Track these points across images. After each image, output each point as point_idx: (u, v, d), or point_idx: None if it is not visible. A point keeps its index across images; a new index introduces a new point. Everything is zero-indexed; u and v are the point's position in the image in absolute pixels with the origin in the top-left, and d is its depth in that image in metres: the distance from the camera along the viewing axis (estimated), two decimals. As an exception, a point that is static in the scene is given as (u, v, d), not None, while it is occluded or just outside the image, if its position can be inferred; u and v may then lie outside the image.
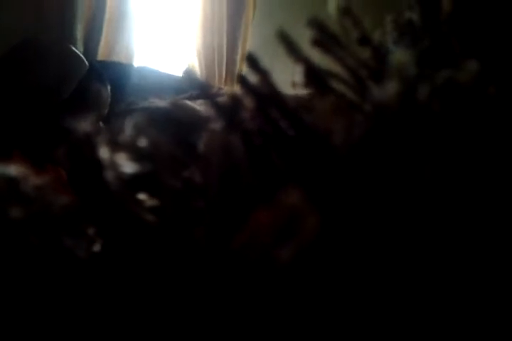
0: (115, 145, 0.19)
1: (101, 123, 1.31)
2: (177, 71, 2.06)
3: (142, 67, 1.79)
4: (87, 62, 1.14)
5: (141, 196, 0.20)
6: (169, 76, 1.81)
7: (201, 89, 1.60)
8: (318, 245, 0.15)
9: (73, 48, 1.13)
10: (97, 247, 0.20)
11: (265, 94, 0.22)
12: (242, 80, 0.22)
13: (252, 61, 0.23)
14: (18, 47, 1.16)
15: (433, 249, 0.17)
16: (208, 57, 2.01)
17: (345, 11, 0.25)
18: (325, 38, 0.25)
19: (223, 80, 2.04)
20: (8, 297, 0.17)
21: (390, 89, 0.17)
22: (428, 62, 0.21)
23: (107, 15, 1.74)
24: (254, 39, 2.13)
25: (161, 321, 0.18)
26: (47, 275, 0.18)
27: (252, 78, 0.24)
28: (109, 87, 1.32)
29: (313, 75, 0.23)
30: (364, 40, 0.28)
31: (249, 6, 2.09)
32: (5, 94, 1.12)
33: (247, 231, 0.16)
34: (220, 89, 1.84)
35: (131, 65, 1.75)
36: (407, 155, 0.17)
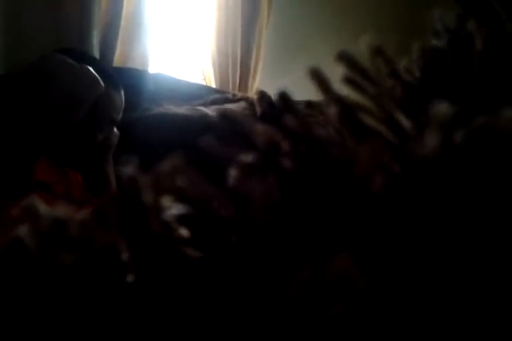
0: (157, 188, 0.20)
1: (115, 129, 1.33)
2: (192, 77, 2.07)
3: (157, 73, 1.80)
4: (102, 83, 1.14)
5: (183, 233, 0.21)
6: (184, 82, 1.82)
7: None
8: (364, 303, 0.16)
9: (89, 68, 1.13)
10: (137, 281, 0.21)
11: (300, 134, 0.22)
12: (279, 121, 0.23)
13: (284, 99, 0.24)
14: (34, 67, 1.17)
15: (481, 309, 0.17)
16: (222, 64, 2.02)
17: (377, 50, 0.25)
18: (355, 74, 0.26)
19: (237, 86, 2.05)
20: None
21: (431, 142, 0.18)
22: (464, 105, 0.21)
23: (123, 22, 1.75)
24: (268, 44, 2.14)
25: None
26: (95, 317, 0.18)
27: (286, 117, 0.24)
28: (122, 92, 1.32)
29: (348, 116, 0.23)
30: (394, 75, 0.28)
31: (263, 12, 2.10)
32: (19, 111, 1.13)
33: (296, 286, 0.17)
34: (233, 95, 1.84)
35: (146, 72, 1.76)
36: (447, 206, 0.17)
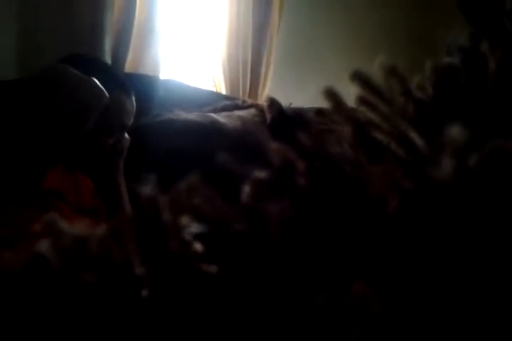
0: (175, 208, 0.20)
1: (126, 135, 1.33)
2: (202, 84, 2.08)
3: (168, 79, 1.81)
4: (107, 94, 1.15)
5: (200, 250, 0.21)
6: (194, 89, 1.83)
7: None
8: (381, 328, 0.16)
9: (94, 80, 1.14)
10: (154, 297, 0.21)
11: (315, 154, 0.23)
12: (292, 136, 0.23)
13: (300, 118, 0.24)
14: (39, 77, 1.18)
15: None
16: (233, 70, 2.03)
17: (391, 70, 0.26)
18: (369, 94, 0.26)
19: (247, 93, 2.05)
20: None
21: (445, 167, 0.18)
22: (477, 126, 0.22)
23: (134, 29, 1.77)
24: (279, 51, 2.15)
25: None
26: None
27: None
28: (133, 97, 1.33)
29: (362, 135, 0.24)
30: (407, 94, 0.28)
31: (274, 19, 2.10)
32: (26, 119, 1.14)
33: (314, 311, 0.17)
34: (243, 101, 1.85)
35: (157, 78, 1.77)
36: (462, 229, 0.18)
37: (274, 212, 0.21)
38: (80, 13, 1.67)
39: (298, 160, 0.23)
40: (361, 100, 0.26)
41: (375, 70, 0.27)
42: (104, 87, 1.17)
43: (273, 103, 1.65)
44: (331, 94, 0.25)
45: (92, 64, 1.27)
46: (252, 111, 1.72)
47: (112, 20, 1.71)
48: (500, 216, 0.18)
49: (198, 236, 0.21)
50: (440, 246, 0.18)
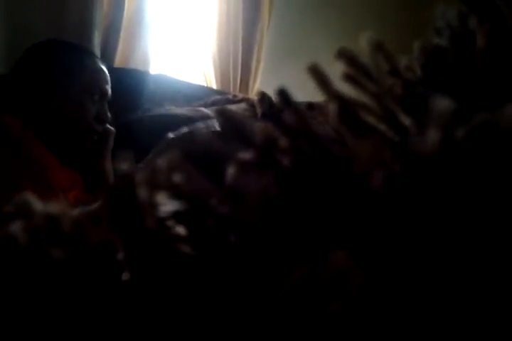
0: (152, 184, 0.20)
1: (110, 127, 1.33)
2: (192, 78, 2.07)
3: (158, 74, 1.80)
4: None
5: (178, 231, 0.21)
6: (185, 83, 1.82)
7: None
8: (362, 299, 0.16)
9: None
10: (131, 279, 0.20)
11: (299, 131, 0.22)
12: (277, 117, 0.22)
13: (283, 96, 0.23)
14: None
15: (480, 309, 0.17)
16: (223, 64, 2.02)
17: (378, 46, 0.25)
18: (355, 72, 0.25)
19: (238, 87, 2.04)
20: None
21: (432, 139, 0.18)
22: (465, 102, 0.21)
23: (124, 23, 1.75)
24: (269, 45, 2.14)
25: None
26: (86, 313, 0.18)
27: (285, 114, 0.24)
28: (105, 65, 1.36)
29: (347, 114, 0.23)
30: (394, 72, 0.28)
31: (264, 13, 2.09)
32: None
33: (293, 282, 0.16)
34: (234, 96, 1.84)
35: (147, 72, 1.76)
36: (447, 203, 0.17)
37: (257, 191, 0.21)
38: (70, 8, 1.65)
39: (281, 137, 0.22)
40: (347, 77, 0.25)
41: (362, 47, 0.26)
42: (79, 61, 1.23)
43: (263, 97, 1.64)
44: (315, 72, 0.24)
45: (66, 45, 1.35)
46: (243, 105, 1.71)
47: (101, 15, 1.69)
48: (487, 190, 0.18)
49: (177, 215, 0.20)
50: (425, 219, 0.17)
